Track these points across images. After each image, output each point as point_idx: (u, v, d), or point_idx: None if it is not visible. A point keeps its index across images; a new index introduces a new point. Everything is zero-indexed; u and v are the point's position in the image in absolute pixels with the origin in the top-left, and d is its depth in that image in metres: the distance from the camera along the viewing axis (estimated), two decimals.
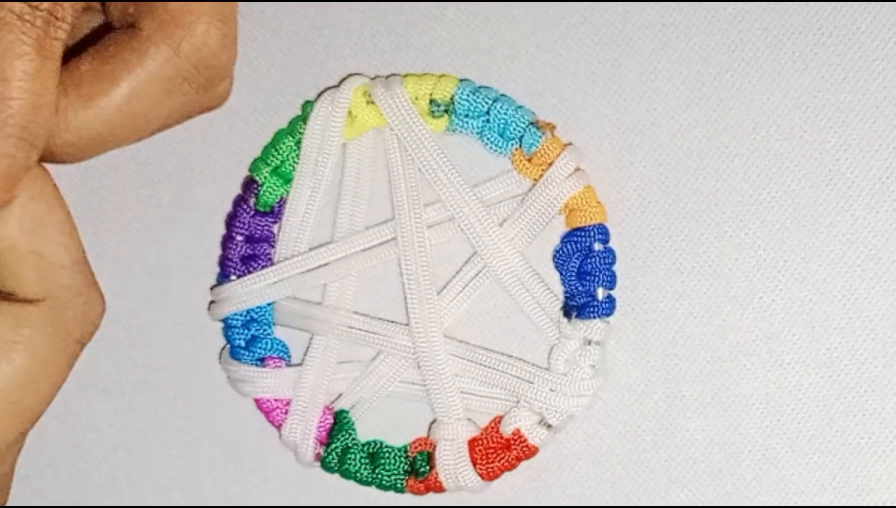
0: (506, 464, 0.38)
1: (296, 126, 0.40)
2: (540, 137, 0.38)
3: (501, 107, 0.38)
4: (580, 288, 0.38)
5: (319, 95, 0.40)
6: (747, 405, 0.38)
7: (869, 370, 0.37)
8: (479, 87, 0.39)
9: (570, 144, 0.38)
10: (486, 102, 0.38)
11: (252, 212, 0.40)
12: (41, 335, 0.30)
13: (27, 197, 0.30)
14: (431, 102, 0.38)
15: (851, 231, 0.37)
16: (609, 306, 0.37)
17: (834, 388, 0.38)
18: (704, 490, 0.38)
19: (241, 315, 0.40)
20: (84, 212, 0.42)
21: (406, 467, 0.39)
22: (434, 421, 0.39)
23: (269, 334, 0.41)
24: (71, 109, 0.30)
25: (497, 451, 0.38)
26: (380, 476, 0.39)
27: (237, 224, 0.40)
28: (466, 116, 0.38)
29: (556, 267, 0.38)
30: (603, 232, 0.38)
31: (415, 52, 0.40)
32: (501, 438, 0.38)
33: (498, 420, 0.39)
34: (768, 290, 0.38)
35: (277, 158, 0.40)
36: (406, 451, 0.39)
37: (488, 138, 0.38)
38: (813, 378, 0.38)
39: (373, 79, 0.40)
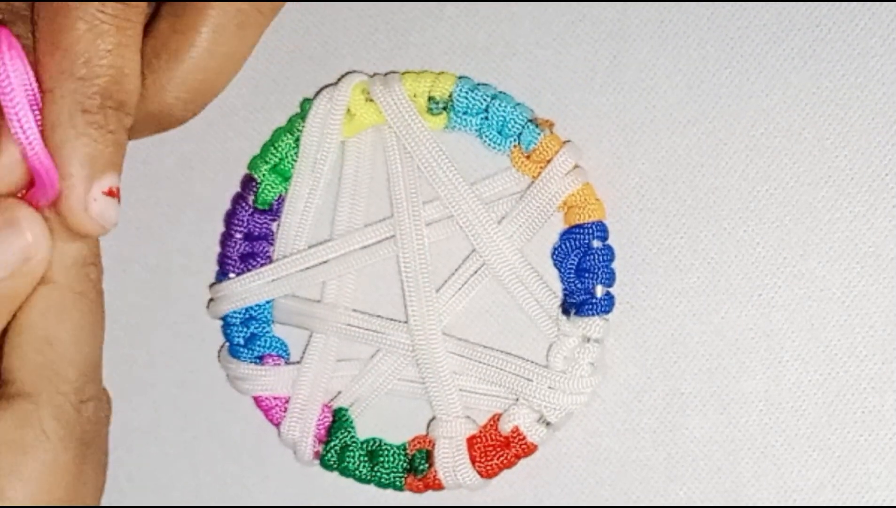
0: (504, 462, 0.38)
1: (294, 124, 0.40)
2: (538, 134, 0.38)
3: (500, 104, 0.38)
4: (579, 285, 0.37)
5: (318, 92, 0.40)
6: (746, 402, 0.38)
7: (868, 368, 0.37)
8: (478, 84, 0.39)
9: (568, 141, 0.38)
10: (485, 100, 0.38)
11: (251, 210, 0.40)
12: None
13: (60, 286, 0.31)
14: (430, 99, 0.38)
15: (850, 228, 0.37)
16: (608, 303, 0.37)
17: (833, 385, 0.38)
18: (703, 488, 0.38)
19: (240, 313, 0.40)
20: None
21: (405, 465, 0.39)
22: (433, 419, 0.39)
23: (267, 331, 0.41)
24: (167, 68, 0.33)
25: (496, 449, 0.38)
26: (379, 473, 0.39)
27: (236, 222, 0.40)
28: (465, 113, 0.38)
29: (555, 264, 0.38)
30: (601, 229, 0.38)
31: (413, 49, 0.40)
32: (500, 436, 0.38)
33: (497, 418, 0.39)
34: (767, 287, 0.38)
35: (276, 156, 0.40)
36: (405, 449, 0.39)
37: (487, 136, 0.38)
38: (812, 376, 0.38)
39: (371, 76, 0.40)
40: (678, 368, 0.38)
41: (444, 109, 0.38)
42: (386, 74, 0.40)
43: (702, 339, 0.38)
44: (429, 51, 0.40)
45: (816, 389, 0.38)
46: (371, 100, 0.39)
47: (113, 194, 0.31)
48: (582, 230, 0.37)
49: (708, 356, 0.38)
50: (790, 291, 0.38)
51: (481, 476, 0.38)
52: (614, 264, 0.38)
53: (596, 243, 0.37)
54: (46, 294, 0.31)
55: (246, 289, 0.40)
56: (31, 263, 0.31)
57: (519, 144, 0.38)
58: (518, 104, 0.38)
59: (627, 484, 0.39)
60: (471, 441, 0.39)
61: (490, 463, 0.38)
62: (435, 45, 0.40)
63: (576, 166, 0.38)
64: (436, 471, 0.38)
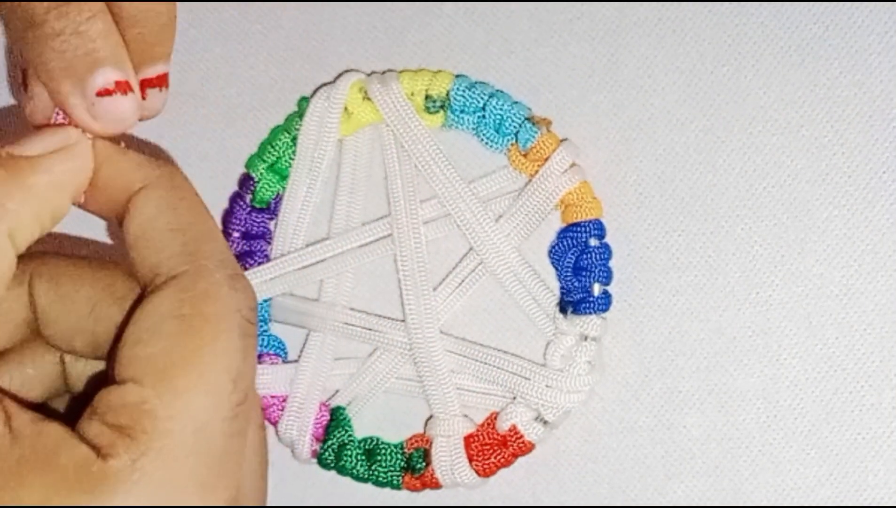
0: (502, 460, 0.38)
1: (292, 123, 0.40)
2: (536, 132, 0.38)
3: (497, 103, 0.38)
4: (576, 284, 0.37)
5: (315, 91, 0.40)
6: (744, 400, 0.38)
7: (866, 366, 0.37)
8: (475, 82, 0.39)
9: (565, 139, 0.38)
10: (482, 98, 0.38)
11: (248, 208, 0.40)
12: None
13: (159, 187, 0.31)
14: (427, 98, 0.38)
15: (848, 226, 0.37)
16: (605, 301, 0.37)
17: (831, 383, 0.37)
18: (701, 486, 0.38)
19: None
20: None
21: (402, 463, 0.39)
22: (430, 417, 0.39)
23: (265, 330, 0.41)
24: None
25: (493, 447, 0.38)
26: (376, 472, 0.39)
27: (234, 221, 0.40)
28: (462, 111, 0.38)
29: (552, 263, 0.38)
30: (599, 228, 0.37)
31: (411, 47, 0.40)
32: (498, 434, 0.38)
33: (494, 417, 0.39)
34: (765, 285, 0.38)
35: (273, 155, 0.40)
36: (403, 447, 0.39)
37: (484, 134, 0.38)
38: (810, 374, 0.38)
39: (369, 75, 0.40)
40: (676, 366, 0.38)
41: (442, 107, 0.38)
42: (384, 73, 0.40)
43: (700, 337, 0.38)
44: (427, 49, 0.40)
45: (814, 387, 0.38)
46: (368, 98, 0.39)
47: (109, 91, 0.31)
48: (579, 229, 0.37)
49: (706, 354, 0.38)
50: (788, 289, 0.38)
51: (479, 474, 0.38)
52: (612, 263, 0.38)
53: (593, 242, 0.37)
54: (148, 195, 0.31)
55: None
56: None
57: (516, 142, 0.38)
58: (515, 102, 0.38)
59: (625, 483, 0.39)
60: (468, 440, 0.38)
61: (487, 462, 0.38)
62: (433, 44, 0.40)
63: (573, 165, 0.38)
64: (433, 470, 0.38)
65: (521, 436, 0.38)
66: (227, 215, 0.41)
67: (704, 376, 0.38)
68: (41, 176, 0.30)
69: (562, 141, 0.38)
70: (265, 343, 0.40)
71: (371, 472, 0.39)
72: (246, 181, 0.40)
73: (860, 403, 0.37)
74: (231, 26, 0.42)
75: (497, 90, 0.39)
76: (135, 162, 0.32)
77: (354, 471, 0.39)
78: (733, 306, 0.38)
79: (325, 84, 0.40)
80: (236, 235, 0.40)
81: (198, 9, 0.42)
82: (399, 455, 0.39)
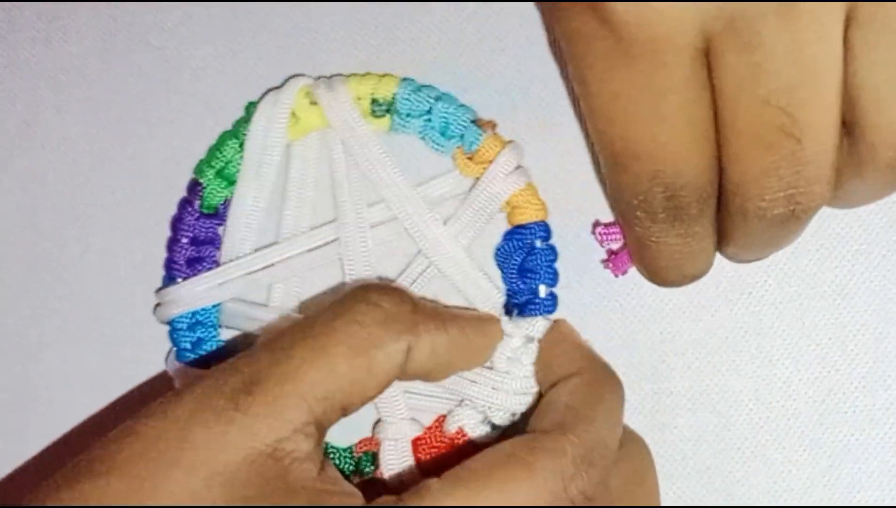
0: (450, 465, 0.38)
1: (240, 128, 0.40)
2: (480, 135, 0.38)
3: (443, 106, 0.38)
4: (522, 286, 0.37)
5: (262, 95, 0.39)
6: (736, 401, 0.38)
7: (859, 367, 0.37)
8: (421, 86, 0.39)
9: (511, 141, 0.38)
10: (428, 101, 0.38)
11: (197, 214, 0.40)
12: None
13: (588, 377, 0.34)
14: (373, 101, 0.38)
15: (841, 225, 0.37)
16: (551, 303, 0.37)
17: (824, 384, 0.37)
18: (693, 487, 0.38)
19: (187, 318, 0.40)
20: (32, 214, 0.42)
21: (351, 468, 0.39)
22: (378, 421, 0.39)
23: (214, 336, 0.40)
24: None
25: (441, 451, 0.38)
26: None
27: (182, 226, 0.40)
28: (409, 115, 0.38)
29: (498, 265, 0.38)
30: (544, 230, 0.37)
31: (401, 46, 0.40)
32: (445, 437, 0.38)
33: (442, 420, 0.38)
34: (757, 285, 0.38)
35: (222, 160, 0.40)
36: (352, 452, 0.39)
37: (430, 137, 0.38)
38: (803, 374, 0.38)
39: (316, 79, 0.40)
40: (667, 366, 0.38)
41: (388, 111, 0.38)
42: (330, 77, 0.39)
43: (691, 337, 0.38)
44: (417, 47, 0.40)
45: (807, 387, 0.38)
46: (316, 103, 0.39)
47: None
48: (524, 231, 0.37)
49: (697, 355, 0.38)
50: (781, 289, 0.38)
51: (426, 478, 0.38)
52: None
53: (539, 244, 0.37)
54: (574, 379, 0.34)
55: (191, 293, 0.39)
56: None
57: (462, 145, 0.38)
58: (461, 106, 0.38)
59: None
60: (416, 443, 0.38)
61: (435, 465, 0.38)
62: (423, 42, 0.40)
63: (518, 167, 0.38)
64: (381, 474, 0.38)
65: (469, 439, 0.38)
66: (176, 221, 0.40)
67: (696, 376, 0.38)
68: (453, 329, 0.34)
69: (507, 143, 0.38)
70: (214, 349, 0.40)
71: None
72: (194, 187, 0.40)
73: (853, 404, 0.37)
74: (220, 25, 0.41)
75: (444, 93, 0.39)
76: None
77: None
78: (726, 306, 0.38)
79: (272, 89, 0.40)
80: (185, 241, 0.40)
81: (188, 8, 0.41)
82: (348, 460, 0.39)
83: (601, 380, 0.34)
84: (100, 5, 0.41)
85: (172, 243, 0.40)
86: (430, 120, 0.38)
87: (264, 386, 0.30)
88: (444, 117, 0.38)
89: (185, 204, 0.40)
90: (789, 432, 0.38)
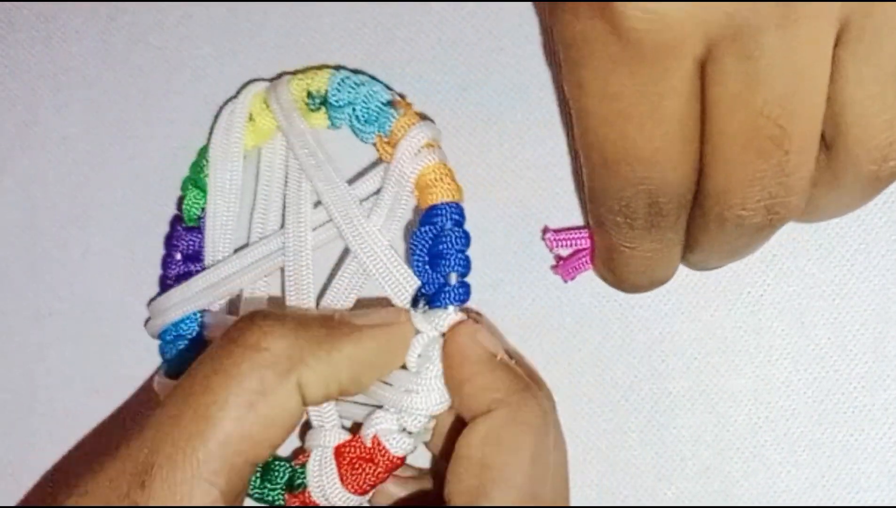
0: (374, 477, 0.34)
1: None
2: (394, 115, 0.34)
3: (364, 91, 0.35)
4: (431, 274, 0.33)
5: (224, 103, 0.39)
6: (735, 401, 0.37)
7: (858, 366, 0.37)
8: (350, 74, 0.36)
9: (423, 118, 0.35)
10: (352, 90, 0.35)
11: (183, 229, 0.39)
12: None
13: (500, 414, 0.32)
14: (308, 95, 0.36)
15: (840, 225, 0.37)
16: (463, 292, 0.33)
17: (823, 384, 0.37)
18: (692, 488, 0.37)
19: (171, 331, 0.39)
20: (32, 214, 0.42)
21: (287, 480, 0.36)
22: (310, 428, 0.36)
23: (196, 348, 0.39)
24: None
25: (362, 462, 0.34)
26: (263, 489, 0.36)
27: (173, 242, 0.40)
28: (340, 107, 0.36)
29: (409, 252, 0.34)
30: (457, 211, 0.34)
31: (400, 44, 0.39)
32: (364, 447, 0.34)
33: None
34: (756, 285, 0.37)
35: (197, 172, 0.39)
36: (290, 463, 0.36)
37: (357, 128, 0.36)
38: (802, 374, 0.37)
39: (271, 81, 0.38)
40: (666, 366, 0.37)
41: (322, 104, 0.36)
42: (278, 76, 0.38)
43: (690, 337, 0.37)
44: (415, 47, 0.39)
45: (806, 387, 0.37)
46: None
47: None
48: (433, 212, 0.34)
49: (696, 355, 0.37)
50: (780, 288, 0.37)
51: (353, 492, 0.34)
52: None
53: (448, 225, 0.34)
54: (487, 422, 0.32)
55: (165, 306, 0.39)
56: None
57: (380, 131, 0.35)
58: (379, 89, 0.36)
59: (616, 484, 0.37)
60: (340, 452, 0.35)
61: (358, 477, 0.34)
62: (422, 40, 0.39)
63: (428, 144, 0.34)
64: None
65: (384, 448, 0.34)
66: (168, 238, 0.40)
67: (695, 376, 0.37)
68: (348, 346, 0.32)
69: (420, 119, 0.34)
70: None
71: (260, 489, 0.36)
72: (181, 202, 0.39)
73: (852, 404, 0.37)
74: (220, 25, 0.41)
75: (370, 79, 0.36)
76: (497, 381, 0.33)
77: (250, 491, 0.36)
78: (724, 306, 0.37)
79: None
80: (178, 257, 0.40)
81: (188, 8, 0.42)
82: (286, 472, 0.36)
83: (520, 412, 0.32)
84: (100, 5, 0.42)
85: (165, 260, 0.40)
86: (355, 109, 0.35)
87: (158, 476, 0.29)
88: (364, 103, 0.35)
89: (175, 221, 0.40)
90: (788, 432, 0.37)
